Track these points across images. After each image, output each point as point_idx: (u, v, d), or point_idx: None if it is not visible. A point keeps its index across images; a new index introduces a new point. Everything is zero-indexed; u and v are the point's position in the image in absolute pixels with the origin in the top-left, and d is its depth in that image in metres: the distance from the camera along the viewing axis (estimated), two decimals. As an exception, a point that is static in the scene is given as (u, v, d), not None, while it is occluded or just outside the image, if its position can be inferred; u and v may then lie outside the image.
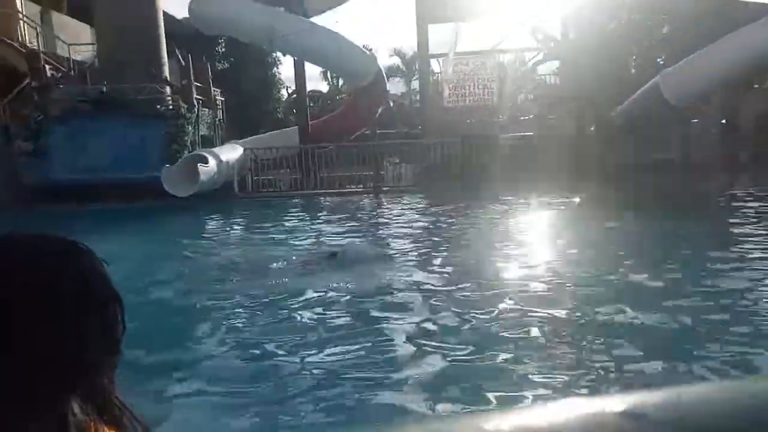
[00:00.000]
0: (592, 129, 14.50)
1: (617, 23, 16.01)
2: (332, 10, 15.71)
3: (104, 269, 0.63)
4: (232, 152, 13.34)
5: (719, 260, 5.19)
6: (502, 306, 3.89)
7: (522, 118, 16.73)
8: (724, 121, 14.56)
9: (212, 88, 15.14)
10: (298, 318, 3.85)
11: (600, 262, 5.28)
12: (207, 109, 14.47)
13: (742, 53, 11.66)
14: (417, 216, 9.94)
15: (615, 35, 15.72)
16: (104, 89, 12.36)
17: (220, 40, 21.53)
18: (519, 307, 3.86)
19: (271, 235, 7.87)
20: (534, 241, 6.72)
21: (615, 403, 0.36)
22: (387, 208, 11.54)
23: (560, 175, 11.63)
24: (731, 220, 7.69)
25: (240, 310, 4.11)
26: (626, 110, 13.94)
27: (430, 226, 8.50)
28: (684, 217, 7.65)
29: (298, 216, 10.47)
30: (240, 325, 3.76)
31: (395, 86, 25.40)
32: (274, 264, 5.62)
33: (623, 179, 11.24)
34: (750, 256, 5.38)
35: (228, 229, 9.10)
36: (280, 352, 3.24)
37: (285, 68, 23.05)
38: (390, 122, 19.86)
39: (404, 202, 11.90)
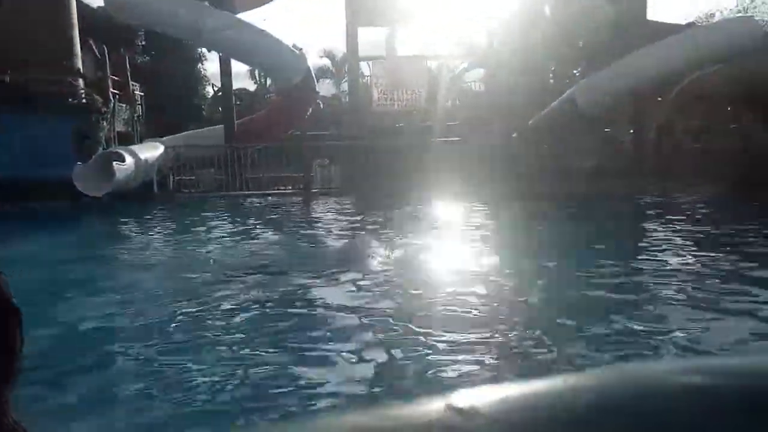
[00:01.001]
0: (514, 136, 15.09)
1: (538, 36, 16.75)
2: (261, 7, 15.40)
3: (1, 280, 0.59)
4: (152, 150, 12.73)
5: (610, 254, 5.60)
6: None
7: (450, 123, 17.15)
8: (632, 131, 15.63)
9: (131, 83, 14.40)
10: (208, 323, 3.69)
11: (513, 256, 5.61)
12: (124, 105, 13.74)
13: (648, 69, 12.56)
14: (345, 218, 9.92)
15: (536, 47, 16.46)
16: (6, 78, 11.40)
17: (140, 32, 20.49)
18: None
19: (190, 238, 7.55)
20: (458, 241, 6.87)
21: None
22: (316, 211, 11.44)
23: (485, 180, 12.04)
24: (629, 220, 8.39)
25: (148, 318, 3.86)
26: (545, 118, 14.62)
27: (357, 228, 8.50)
28: (591, 218, 8.27)
29: (222, 218, 10.13)
30: (145, 338, 3.51)
31: (325, 87, 25.31)
32: (191, 268, 5.38)
33: (540, 184, 11.76)
34: (641, 250, 5.98)
35: (144, 231, 8.62)
36: (183, 356, 3.08)
37: (211, 64, 22.37)
38: (320, 124, 19.71)
39: (333, 204, 11.84)
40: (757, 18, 17.38)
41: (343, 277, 4.71)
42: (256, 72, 23.69)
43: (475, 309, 3.79)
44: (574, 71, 19.23)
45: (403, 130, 14.68)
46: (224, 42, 13.37)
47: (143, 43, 20.99)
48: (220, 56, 15.25)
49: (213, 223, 9.09)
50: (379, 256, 5.30)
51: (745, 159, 10.55)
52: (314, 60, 22.41)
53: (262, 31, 13.64)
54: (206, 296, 4.26)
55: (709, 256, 5.39)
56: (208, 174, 14.94)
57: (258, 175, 14.80)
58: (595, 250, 5.73)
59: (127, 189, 11.01)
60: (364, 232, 7.66)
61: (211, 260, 5.80)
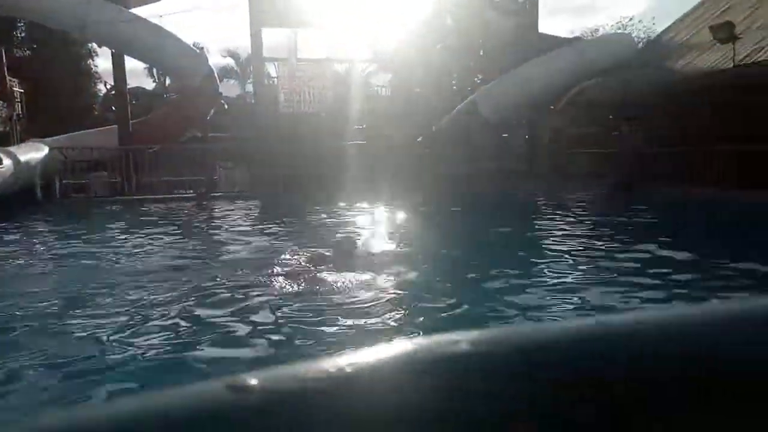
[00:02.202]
0: (419, 140, 15.49)
1: (441, 44, 17.32)
2: (157, 2, 14.66)
3: None
4: (33, 152, 11.67)
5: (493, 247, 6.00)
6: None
7: (357, 127, 17.28)
8: (527, 136, 16.61)
9: (7, 78, 13.12)
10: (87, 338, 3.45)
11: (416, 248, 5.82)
12: (0, 102, 12.48)
13: (539, 78, 13.42)
14: (249, 222, 9.67)
15: (439, 54, 17.03)
16: None
17: (19, 23, 18.71)
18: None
19: (77, 247, 6.99)
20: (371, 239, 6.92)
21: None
22: (218, 215, 11.05)
23: (390, 183, 12.27)
24: (514, 216, 8.98)
25: (27, 335, 3.53)
26: (448, 123, 15.16)
27: (263, 230, 8.32)
28: (484, 214, 8.79)
29: (115, 225, 9.49)
30: (23, 349, 3.22)
31: (230, 88, 24.55)
32: (78, 280, 4.98)
33: (442, 187, 12.19)
34: (525, 242, 6.55)
35: (23, 240, 7.86)
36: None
37: (103, 60, 20.91)
38: (224, 125, 19.07)
39: (237, 208, 11.50)
40: (633, 35, 19.13)
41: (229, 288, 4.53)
42: (155, 70, 22.45)
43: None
44: (476, 78, 20.12)
45: (309, 133, 14.56)
46: (114, 37, 12.54)
47: (23, 34, 19.20)
48: (112, 52, 14.30)
49: (97, 231, 8.43)
50: (275, 267, 5.19)
51: (620, 162, 11.59)
52: (217, 60, 21.70)
53: (158, 27, 12.97)
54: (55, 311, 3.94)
55: (580, 241, 6.20)
56: (100, 178, 13.99)
57: (156, 178, 14.07)
58: (481, 241, 6.19)
59: (3, 194, 10.01)
60: (261, 238, 7.43)
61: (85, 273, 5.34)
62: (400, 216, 9.43)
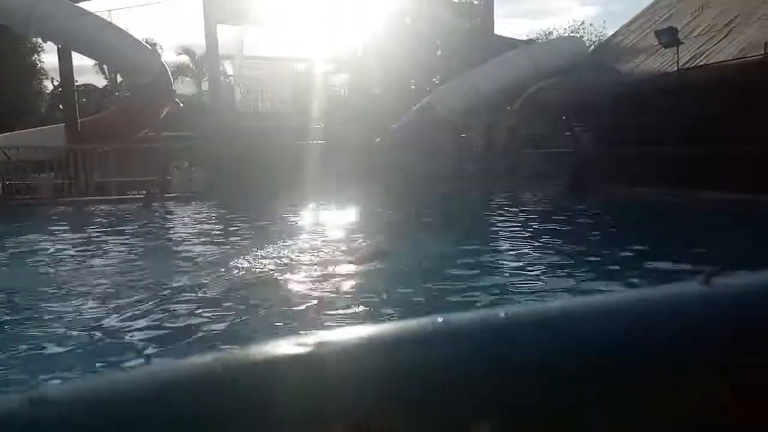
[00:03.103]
0: (377, 140, 15.53)
1: (400, 44, 17.41)
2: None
3: None
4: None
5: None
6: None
7: (316, 126, 17.17)
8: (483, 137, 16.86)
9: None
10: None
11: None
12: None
13: (494, 79, 13.67)
14: (204, 222, 9.49)
15: (397, 55, 17.11)
16: None
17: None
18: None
19: (22, 251, 6.70)
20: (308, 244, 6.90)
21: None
22: (173, 215, 10.79)
23: (348, 183, 12.25)
24: (469, 213, 9.16)
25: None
26: (406, 124, 15.25)
27: (217, 231, 8.18)
28: (439, 213, 8.92)
29: (63, 227, 9.14)
30: None
31: (185, 86, 23.94)
32: (24, 284, 4.77)
33: (401, 185, 12.26)
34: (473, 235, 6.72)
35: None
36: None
37: (50, 56, 20.03)
38: (179, 124, 18.62)
39: (192, 208, 11.26)
40: (584, 38, 19.70)
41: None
42: (105, 67, 21.69)
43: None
44: (434, 79, 20.31)
45: (267, 132, 14.38)
46: (60, 32, 12.05)
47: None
48: (58, 48, 13.76)
49: (39, 234, 8.08)
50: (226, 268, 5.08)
51: (571, 163, 11.95)
52: (171, 57, 21.17)
53: (107, 22, 12.55)
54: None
55: (524, 236, 6.33)
56: (47, 179, 13.44)
57: (107, 179, 13.62)
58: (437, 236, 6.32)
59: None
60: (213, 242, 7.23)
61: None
62: (358, 215, 9.45)
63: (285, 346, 0.36)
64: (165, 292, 4.20)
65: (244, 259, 5.49)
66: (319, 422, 0.32)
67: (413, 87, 19.81)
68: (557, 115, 14.88)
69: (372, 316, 3.62)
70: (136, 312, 3.73)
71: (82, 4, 13.03)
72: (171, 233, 8.52)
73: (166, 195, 13.02)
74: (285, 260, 5.28)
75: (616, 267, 4.80)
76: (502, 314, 0.41)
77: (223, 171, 13.55)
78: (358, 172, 13.48)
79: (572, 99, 13.13)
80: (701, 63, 11.12)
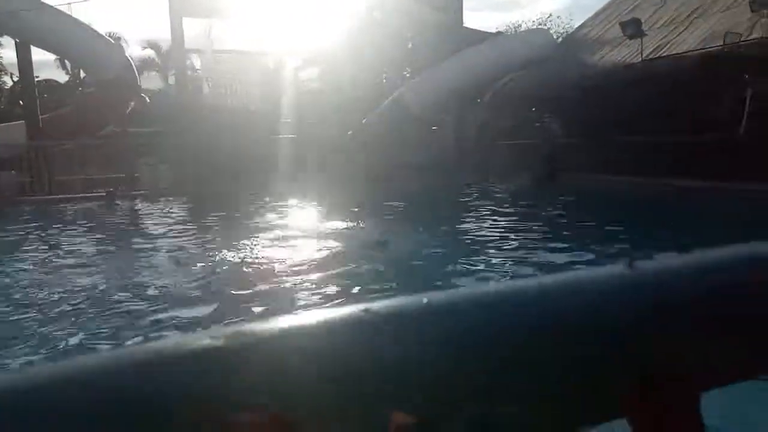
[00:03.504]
0: (349, 133, 15.47)
1: (370, 38, 17.32)
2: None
3: None
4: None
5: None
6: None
7: (285, 121, 17.01)
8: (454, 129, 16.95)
9: None
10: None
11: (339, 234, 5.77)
12: None
13: (463, 71, 13.73)
14: (174, 220, 9.31)
15: (368, 49, 17.03)
16: None
17: None
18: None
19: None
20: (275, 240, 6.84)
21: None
22: (136, 213, 10.58)
23: (317, 177, 12.22)
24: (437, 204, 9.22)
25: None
26: (377, 117, 15.23)
27: (189, 230, 8.03)
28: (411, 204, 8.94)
29: (24, 227, 8.86)
30: None
31: (152, 81, 23.42)
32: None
33: (372, 179, 12.25)
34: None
35: None
36: None
37: (8, 51, 19.34)
38: (146, 119, 18.21)
39: (158, 206, 11.04)
40: (551, 30, 19.93)
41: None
42: (67, 62, 21.05)
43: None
44: (404, 72, 20.29)
45: (236, 127, 14.18)
46: (18, 26, 11.63)
47: None
48: (16, 42, 13.28)
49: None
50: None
51: (541, 153, 12.12)
52: (136, 51, 20.67)
53: (67, 15, 12.15)
54: None
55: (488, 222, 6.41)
56: (7, 177, 13.00)
57: (71, 176, 13.26)
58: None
59: None
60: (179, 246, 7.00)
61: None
62: (330, 212, 9.37)
63: (199, 339, 0.34)
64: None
65: (204, 256, 5.43)
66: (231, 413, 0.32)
67: (384, 80, 19.77)
68: (526, 107, 15.05)
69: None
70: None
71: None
72: (130, 232, 8.28)
73: (133, 192, 12.76)
74: (245, 260, 5.20)
75: (574, 246, 5.03)
76: (424, 300, 0.40)
77: (191, 167, 13.32)
78: (330, 166, 13.43)
79: (541, 91, 13.30)
80: (664, 54, 11.37)
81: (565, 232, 6.11)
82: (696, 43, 10.92)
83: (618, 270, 0.44)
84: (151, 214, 10.27)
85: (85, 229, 8.49)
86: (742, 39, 9.52)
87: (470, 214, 8.29)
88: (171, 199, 11.70)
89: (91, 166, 13.82)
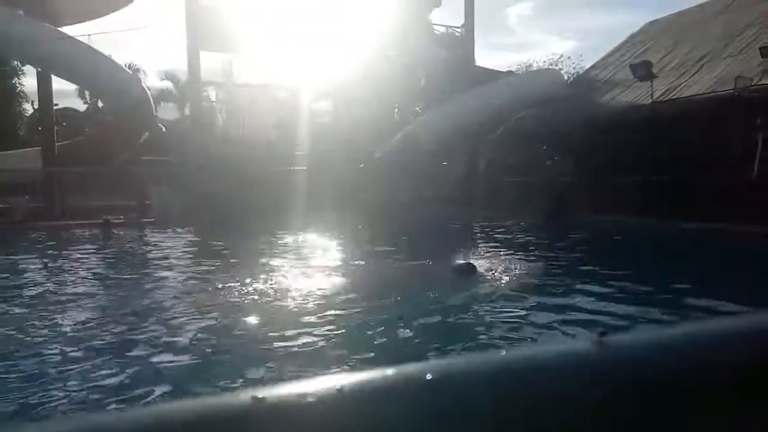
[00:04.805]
0: (360, 167, 15.58)
1: (383, 73, 17.63)
2: (92, 20, 14.20)
3: None
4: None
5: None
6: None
7: (298, 153, 17.21)
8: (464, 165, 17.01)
9: None
10: None
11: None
12: None
13: (474, 109, 13.87)
14: (187, 249, 9.33)
15: (381, 84, 17.31)
16: None
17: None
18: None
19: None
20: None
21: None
22: (151, 241, 10.61)
23: (332, 209, 12.24)
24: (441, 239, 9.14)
25: None
26: (389, 151, 15.34)
27: (199, 260, 8.03)
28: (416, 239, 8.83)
29: (36, 252, 8.93)
30: None
31: (169, 112, 23.94)
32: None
33: (386, 213, 12.25)
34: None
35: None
36: None
37: (30, 79, 19.92)
38: (161, 149, 18.53)
39: (171, 235, 11.10)
40: (562, 71, 20.17)
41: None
42: (87, 91, 21.65)
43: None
44: (417, 108, 20.56)
45: (249, 158, 14.35)
46: (39, 56, 11.98)
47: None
48: (38, 71, 13.69)
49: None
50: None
51: (550, 191, 12.10)
52: (155, 82, 21.20)
53: (87, 46, 12.51)
54: None
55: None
56: (22, 201, 13.21)
57: (85, 203, 13.42)
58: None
59: None
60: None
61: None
62: (345, 245, 9.30)
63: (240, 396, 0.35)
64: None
65: (201, 293, 5.31)
66: None
67: (396, 116, 20.02)
68: (537, 145, 15.09)
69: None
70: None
71: (64, 29, 13.03)
72: (114, 263, 8.09)
73: (144, 220, 12.86)
74: (252, 298, 5.09)
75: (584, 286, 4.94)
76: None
77: (203, 197, 13.43)
78: (342, 198, 13.47)
79: (551, 129, 13.35)
80: (674, 96, 11.41)
81: (566, 270, 6.01)
82: (706, 86, 10.96)
83: (587, 345, 0.44)
84: (148, 243, 10.29)
85: (73, 257, 8.39)
86: (752, 84, 9.53)
87: (477, 252, 8.21)
88: (178, 229, 11.75)
89: (104, 193, 13.99)
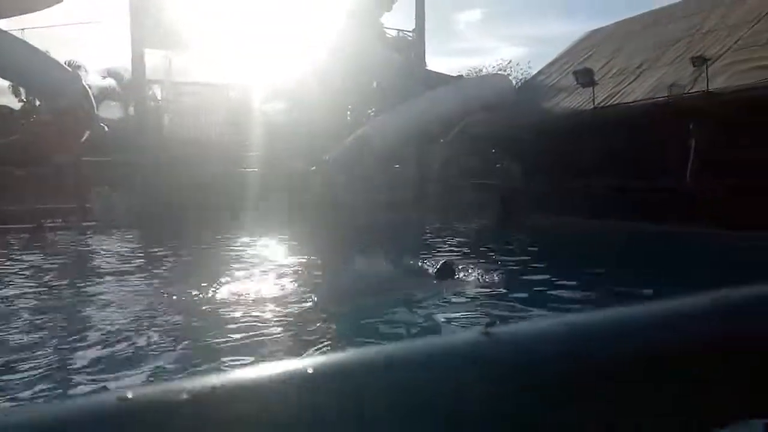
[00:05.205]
0: (312, 169, 15.47)
1: (336, 75, 17.56)
2: (23, 14, 13.49)
3: None
4: None
5: None
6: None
7: (249, 154, 16.91)
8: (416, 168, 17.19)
9: None
10: None
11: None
12: None
13: (425, 112, 14.04)
14: (123, 254, 9.00)
15: (334, 85, 17.25)
16: None
17: None
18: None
19: None
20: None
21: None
22: (88, 245, 10.19)
23: (282, 211, 12.09)
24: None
25: None
26: (341, 154, 15.30)
27: (141, 263, 7.76)
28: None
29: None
30: None
31: (112, 110, 22.99)
32: None
33: (334, 215, 12.19)
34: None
35: None
36: None
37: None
38: (104, 149, 17.80)
39: (111, 239, 10.69)
40: (511, 76, 20.70)
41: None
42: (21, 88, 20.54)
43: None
44: (369, 111, 20.61)
45: (196, 159, 14.00)
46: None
47: None
48: (-34, 66, 12.88)
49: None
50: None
51: (499, 193, 12.40)
52: (97, 80, 20.34)
53: (21, 41, 11.89)
54: None
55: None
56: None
57: (20, 206, 12.76)
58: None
59: None
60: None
61: None
62: (289, 246, 9.26)
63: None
64: None
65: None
66: None
67: (349, 118, 20.00)
68: (487, 148, 15.42)
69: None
70: None
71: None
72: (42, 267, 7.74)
73: (84, 223, 12.34)
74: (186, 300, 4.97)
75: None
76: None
77: (147, 198, 13.01)
78: (291, 200, 13.33)
79: (500, 133, 13.67)
80: (615, 102, 11.91)
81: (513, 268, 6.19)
82: (644, 93, 11.49)
83: (475, 336, 0.45)
84: (84, 247, 9.91)
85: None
86: (685, 92, 10.07)
87: (427, 252, 8.31)
88: (120, 232, 11.34)
89: (43, 196, 13.34)
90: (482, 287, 5.22)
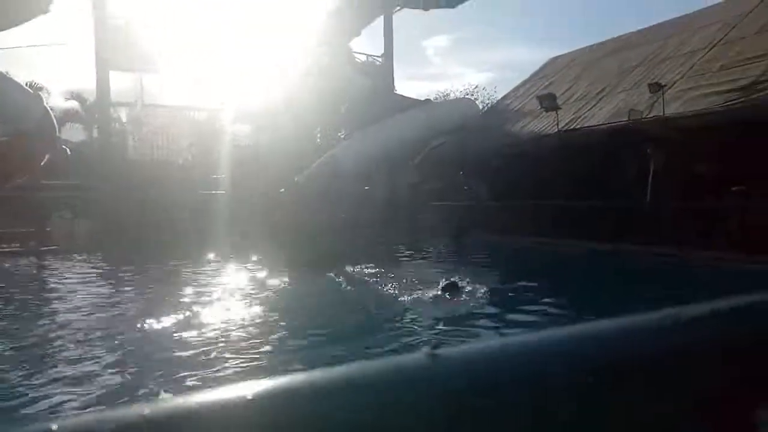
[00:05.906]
0: (281, 191, 15.39)
1: (306, 97, 17.64)
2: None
3: None
4: None
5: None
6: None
7: (216, 176, 16.73)
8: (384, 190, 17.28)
9: None
10: None
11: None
12: None
13: (393, 135, 14.21)
14: (91, 279, 8.72)
15: (304, 107, 17.30)
16: None
17: None
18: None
19: None
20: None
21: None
22: (53, 272, 9.84)
23: (250, 234, 11.95)
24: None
25: None
26: (310, 176, 15.29)
27: (104, 290, 7.53)
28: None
29: None
30: None
31: (75, 133, 22.52)
32: None
33: (305, 237, 12.11)
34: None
35: None
36: None
37: None
38: (66, 172, 17.34)
39: (76, 263, 10.36)
40: (478, 101, 21.15)
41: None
42: (-20, 109, 19.90)
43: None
44: (339, 133, 20.71)
45: (161, 182, 13.75)
46: None
47: None
48: None
49: None
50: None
51: (457, 214, 12.63)
52: (59, 102, 19.91)
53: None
54: None
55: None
56: None
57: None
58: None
59: None
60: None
61: None
62: (261, 272, 9.11)
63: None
64: None
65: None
66: None
67: (318, 140, 20.04)
68: (454, 171, 15.64)
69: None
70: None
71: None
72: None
73: (42, 248, 11.93)
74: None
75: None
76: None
77: (110, 223, 12.69)
78: (260, 224, 13.19)
79: (466, 156, 13.90)
80: (577, 126, 12.27)
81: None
82: (605, 118, 11.90)
83: (420, 358, 0.46)
84: (39, 272, 9.61)
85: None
86: (643, 116, 10.46)
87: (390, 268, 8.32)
88: (82, 256, 11.02)
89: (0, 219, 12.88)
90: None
